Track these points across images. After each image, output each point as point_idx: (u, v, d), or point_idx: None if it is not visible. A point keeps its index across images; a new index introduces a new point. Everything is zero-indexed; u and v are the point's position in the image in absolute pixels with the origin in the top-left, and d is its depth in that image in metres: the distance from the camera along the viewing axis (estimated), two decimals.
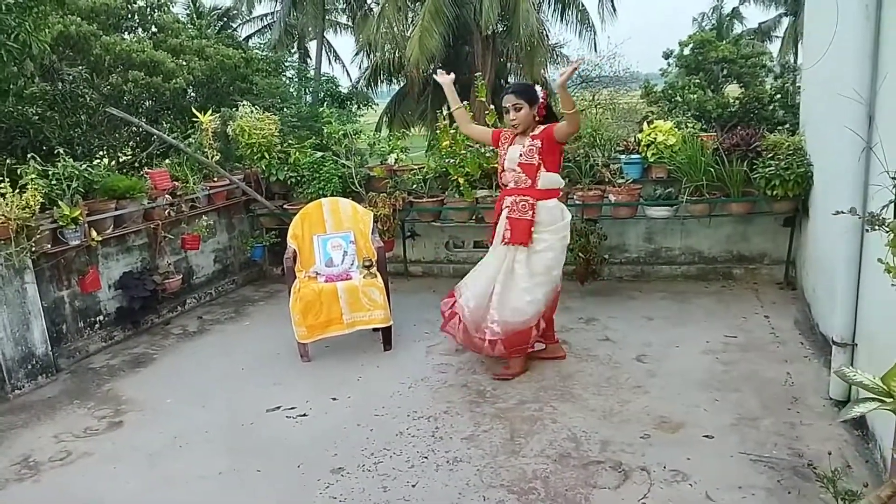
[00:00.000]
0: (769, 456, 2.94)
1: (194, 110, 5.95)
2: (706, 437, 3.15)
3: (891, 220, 1.81)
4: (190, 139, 5.98)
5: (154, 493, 3.01)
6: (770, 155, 4.86)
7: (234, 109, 6.38)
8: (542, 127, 3.82)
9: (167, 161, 5.86)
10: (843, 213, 2.01)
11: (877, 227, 1.85)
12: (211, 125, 5.81)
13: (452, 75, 4.24)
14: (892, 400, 1.81)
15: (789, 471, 2.81)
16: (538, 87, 3.94)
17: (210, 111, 5.95)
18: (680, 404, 3.47)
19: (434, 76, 4.43)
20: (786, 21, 30.19)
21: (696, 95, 9.38)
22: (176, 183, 5.37)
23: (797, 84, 6.63)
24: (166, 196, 5.24)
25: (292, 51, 22.13)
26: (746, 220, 5.37)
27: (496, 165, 5.48)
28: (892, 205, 1.81)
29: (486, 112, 5.68)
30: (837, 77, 3.31)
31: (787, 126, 5.92)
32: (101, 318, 4.92)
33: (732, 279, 5.52)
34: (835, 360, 3.33)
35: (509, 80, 20.80)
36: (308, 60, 22.66)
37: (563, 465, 2.99)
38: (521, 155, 3.79)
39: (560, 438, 3.22)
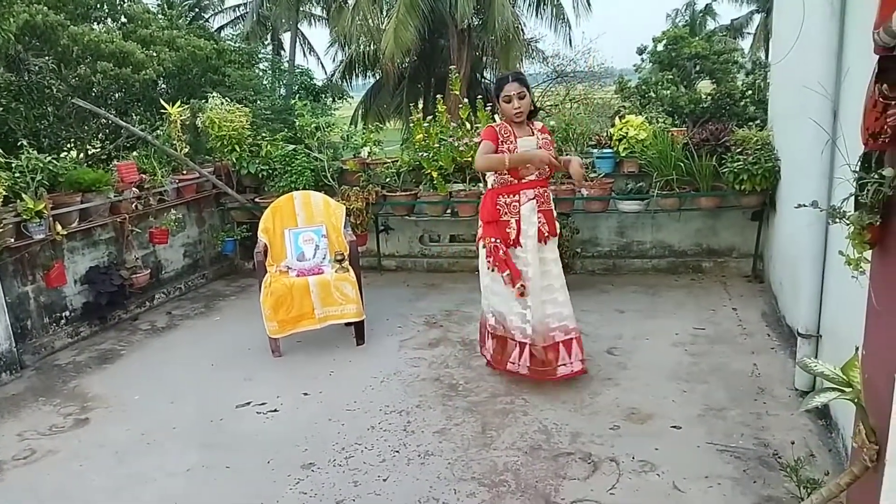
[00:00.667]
0: (735, 446, 2.99)
1: (163, 101, 5.85)
2: (674, 427, 3.19)
3: (851, 213, 1.84)
4: (158, 131, 5.87)
5: (121, 491, 2.96)
6: (738, 150, 4.93)
7: (203, 101, 6.28)
8: (539, 124, 3.77)
9: (134, 153, 5.75)
10: (805, 206, 2.04)
11: (837, 220, 1.89)
12: (180, 117, 5.71)
13: None
14: (851, 389, 1.85)
15: (755, 460, 2.86)
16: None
17: (179, 103, 5.85)
18: (649, 396, 3.51)
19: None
20: (757, 18, 30.61)
21: (669, 91, 9.45)
22: (143, 176, 5.28)
23: (768, 80, 6.71)
24: (133, 189, 5.14)
25: (265, 42, 21.86)
26: (715, 214, 5.45)
27: (469, 159, 5.54)
28: (853, 197, 1.85)
29: (461, 105, 5.68)
30: (804, 72, 3.36)
31: (758, 122, 6.00)
32: (67, 313, 4.82)
33: (702, 272, 5.60)
34: (800, 352, 3.40)
35: (485, 74, 20.80)
36: (282, 52, 22.38)
37: (534, 457, 3.01)
38: (540, 146, 3.59)
39: (531, 431, 3.24)
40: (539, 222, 3.63)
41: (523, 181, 3.62)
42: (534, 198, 3.63)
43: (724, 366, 3.82)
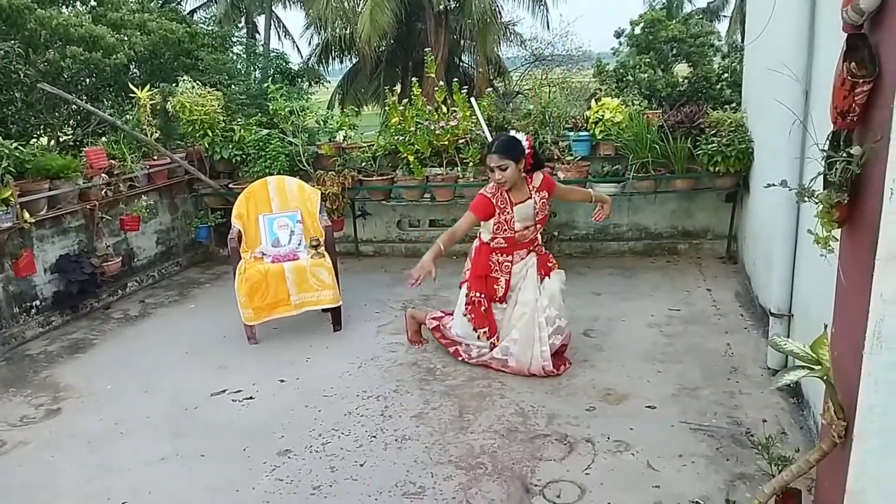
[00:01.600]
0: (709, 424, 3.02)
1: (132, 86, 5.72)
2: (649, 407, 3.22)
3: (820, 192, 1.85)
4: (127, 116, 5.75)
5: (94, 481, 2.92)
6: (713, 132, 4.96)
7: (174, 85, 6.16)
8: (541, 177, 3.60)
9: (103, 139, 5.63)
10: (774, 185, 2.05)
11: (806, 199, 1.90)
12: (150, 101, 5.59)
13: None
14: (820, 367, 1.87)
15: (728, 438, 2.90)
16: (522, 137, 3.51)
17: (150, 87, 5.73)
18: (625, 377, 3.54)
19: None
20: (733, 1, 30.74)
21: (646, 75, 9.48)
22: (113, 162, 5.17)
23: (743, 63, 6.75)
24: (103, 175, 5.04)
25: (239, 26, 21.46)
26: (690, 196, 5.48)
27: (446, 143, 5.50)
28: (822, 176, 1.86)
29: (436, 88, 5.63)
30: (776, 53, 3.37)
31: (734, 105, 6.03)
32: (38, 303, 4.73)
33: (677, 254, 5.65)
34: (772, 331, 3.45)
35: (463, 57, 20.68)
36: (256, 36, 22.01)
37: (511, 439, 3.02)
38: (537, 212, 3.56)
39: (508, 413, 3.25)
40: (533, 269, 3.64)
41: (518, 243, 3.61)
42: (526, 255, 3.65)
43: (699, 346, 3.86)
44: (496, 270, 3.64)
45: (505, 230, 3.54)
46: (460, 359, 3.80)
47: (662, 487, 2.60)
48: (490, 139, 5.03)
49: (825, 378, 1.84)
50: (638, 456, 2.82)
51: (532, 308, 3.58)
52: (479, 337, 3.68)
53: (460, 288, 3.80)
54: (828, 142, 1.84)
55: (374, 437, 3.12)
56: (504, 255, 3.62)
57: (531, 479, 2.72)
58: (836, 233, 1.94)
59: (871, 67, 1.72)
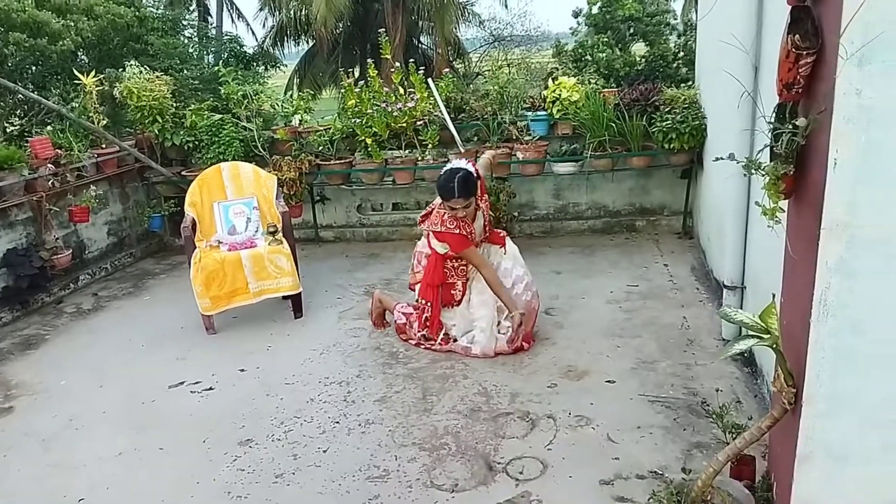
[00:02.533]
0: (666, 396, 3.08)
1: (76, 72, 5.51)
2: (608, 382, 3.27)
3: (766, 164, 1.88)
4: (73, 103, 5.55)
5: (49, 480, 2.85)
6: (667, 109, 5.00)
7: (121, 70, 5.95)
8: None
9: (48, 128, 5.42)
10: (722, 158, 2.08)
11: (754, 171, 1.93)
12: (96, 88, 5.40)
13: None
14: (769, 336, 1.91)
15: (685, 409, 2.97)
16: (467, 166, 3.57)
17: (95, 73, 5.52)
18: (585, 353, 3.59)
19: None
20: None
21: (604, 54, 9.53)
22: (59, 151, 4.99)
23: (696, 40, 6.82)
24: (49, 166, 4.86)
25: (190, 8, 20.85)
26: (647, 173, 5.54)
27: (404, 125, 5.45)
28: (769, 149, 1.88)
29: (392, 70, 5.56)
30: (726, 28, 3.40)
31: (690, 83, 6.10)
32: None
33: (635, 231, 5.72)
34: (725, 303, 3.52)
35: (421, 39, 20.48)
36: (208, 19, 21.41)
37: (474, 419, 3.03)
38: (485, 226, 3.71)
39: (471, 394, 3.26)
40: (486, 248, 3.74)
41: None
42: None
43: (656, 320, 3.93)
44: (452, 276, 3.70)
45: (474, 243, 3.66)
46: (423, 348, 3.81)
47: (622, 459, 2.65)
48: (452, 135, 5.07)
49: (774, 346, 1.89)
50: (598, 430, 2.86)
51: (492, 294, 3.62)
52: (421, 338, 3.76)
53: (412, 290, 3.84)
54: (774, 114, 1.87)
55: (338, 422, 3.10)
56: (459, 261, 3.68)
57: (494, 457, 2.74)
58: (784, 204, 1.98)
59: (815, 40, 1.74)
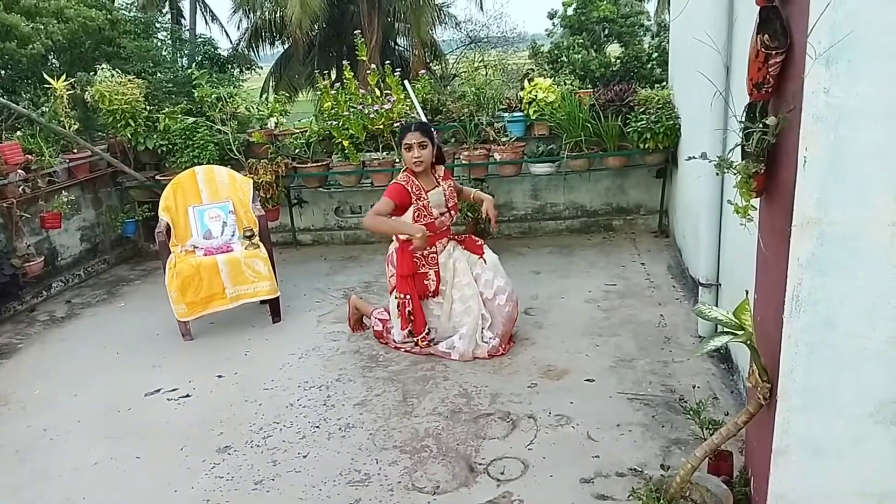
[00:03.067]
0: (644, 394, 3.11)
1: (46, 76, 5.41)
2: (588, 380, 3.29)
3: (738, 163, 1.91)
4: (43, 108, 5.45)
5: (24, 491, 2.80)
6: (642, 109, 5.05)
7: (92, 74, 5.86)
8: (443, 168, 3.74)
9: (18, 133, 5.32)
10: (694, 157, 2.10)
11: (726, 170, 1.95)
12: (66, 92, 5.31)
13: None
14: (743, 332, 1.93)
15: (663, 406, 2.99)
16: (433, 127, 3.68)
17: (66, 77, 5.43)
18: (564, 352, 3.60)
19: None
20: None
21: (580, 56, 9.58)
22: (29, 157, 4.91)
23: (669, 41, 6.89)
24: (19, 171, 4.77)
25: (164, 11, 20.62)
26: (623, 173, 5.59)
27: (381, 127, 5.43)
28: (740, 148, 1.91)
29: (368, 72, 5.55)
30: (698, 28, 3.45)
31: (664, 84, 6.16)
32: None
33: (612, 230, 5.76)
34: (701, 301, 3.56)
35: (398, 40, 20.47)
36: (182, 21, 21.20)
37: (455, 420, 3.03)
38: (446, 198, 3.64)
39: (452, 395, 3.26)
40: (465, 257, 3.67)
41: (438, 231, 3.63)
42: (447, 244, 3.68)
43: (634, 318, 3.96)
44: (423, 265, 3.65)
45: (425, 216, 3.57)
46: (404, 351, 3.79)
47: (602, 457, 2.66)
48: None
49: (748, 342, 1.91)
50: (578, 428, 2.88)
51: (475, 299, 3.61)
52: (406, 335, 3.71)
53: (391, 295, 3.78)
54: (745, 113, 1.89)
55: (318, 427, 3.08)
56: (429, 249, 3.63)
57: (476, 458, 2.74)
58: (756, 202, 2.01)
59: (783, 39, 1.77)
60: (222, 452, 2.94)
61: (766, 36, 1.76)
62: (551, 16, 17.74)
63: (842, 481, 1.94)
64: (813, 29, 1.57)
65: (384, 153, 5.53)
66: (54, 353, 4.19)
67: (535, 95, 5.31)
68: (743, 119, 1.89)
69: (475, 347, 3.61)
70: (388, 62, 5.74)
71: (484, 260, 3.70)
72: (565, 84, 5.54)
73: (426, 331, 3.68)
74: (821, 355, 1.82)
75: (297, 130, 5.73)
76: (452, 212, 3.71)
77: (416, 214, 3.57)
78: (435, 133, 3.70)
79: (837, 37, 1.57)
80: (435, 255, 3.66)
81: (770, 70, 1.78)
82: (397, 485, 2.62)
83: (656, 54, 8.40)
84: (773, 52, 1.75)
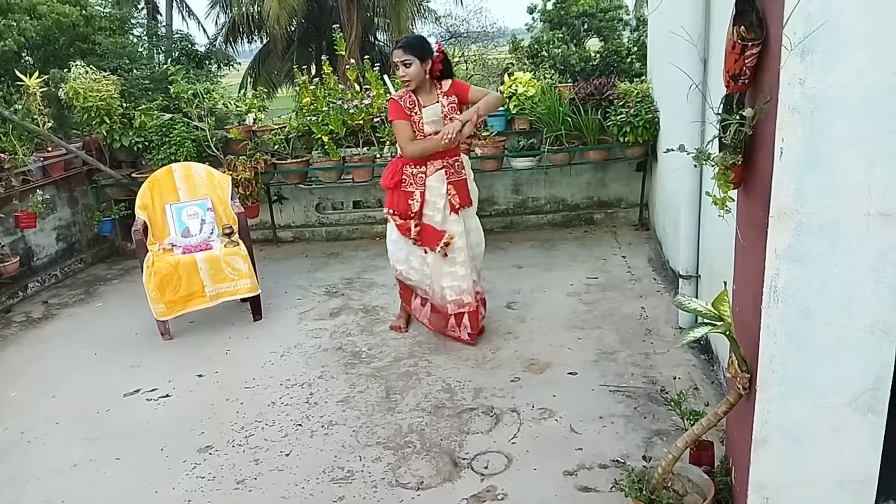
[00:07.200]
0: (626, 386, 3.13)
1: (19, 73, 5.30)
2: (570, 374, 3.30)
3: (715, 155, 1.91)
4: (16, 106, 5.34)
5: (2, 495, 2.76)
6: (621, 103, 5.07)
7: (66, 71, 5.76)
8: (449, 82, 3.53)
9: None
10: (672, 150, 2.11)
11: (704, 162, 1.96)
12: (40, 89, 5.21)
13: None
14: (722, 323, 1.94)
15: (644, 397, 3.01)
16: (432, 40, 3.54)
17: (38, 74, 5.33)
18: (547, 346, 3.61)
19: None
20: None
21: (560, 50, 9.62)
22: (2, 155, 4.80)
23: (647, 34, 6.92)
24: None
25: (139, 7, 20.33)
26: (603, 166, 5.61)
27: (361, 122, 5.40)
28: (717, 139, 1.92)
29: (347, 67, 5.51)
30: (676, 21, 3.46)
31: (643, 77, 6.19)
32: None
33: (594, 224, 5.79)
34: (681, 292, 3.59)
35: (377, 35, 20.37)
36: (158, 17, 20.90)
37: (438, 416, 3.03)
38: (444, 115, 3.46)
39: (435, 391, 3.26)
40: (449, 194, 3.52)
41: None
42: (442, 168, 3.52)
43: (615, 311, 3.98)
44: (410, 183, 3.52)
45: (416, 132, 3.46)
46: (418, 301, 3.81)
47: (585, 449, 2.68)
48: None
49: (727, 333, 1.92)
50: (561, 421, 2.89)
51: (464, 247, 3.59)
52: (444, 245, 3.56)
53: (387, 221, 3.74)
54: (722, 105, 1.90)
55: (300, 425, 3.06)
56: (417, 167, 3.51)
57: (459, 453, 2.74)
58: (734, 193, 2.02)
59: (759, 31, 1.78)
60: (203, 452, 2.91)
61: (743, 27, 1.77)
62: (531, 10, 17.77)
63: (821, 469, 1.96)
64: (788, 20, 1.58)
65: (364, 148, 5.49)
66: (31, 355, 4.12)
67: (516, 90, 5.31)
68: (720, 111, 1.90)
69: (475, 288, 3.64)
70: (367, 57, 5.71)
71: (467, 231, 3.62)
72: (545, 78, 5.56)
73: (446, 238, 3.55)
74: (799, 345, 1.84)
75: (277, 126, 5.68)
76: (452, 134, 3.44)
77: (411, 127, 3.45)
78: (435, 45, 3.49)
79: (812, 27, 1.57)
80: (423, 176, 3.51)
81: (746, 62, 1.78)
82: (381, 481, 2.61)
83: (635, 48, 8.47)
84: (750, 44, 1.76)
